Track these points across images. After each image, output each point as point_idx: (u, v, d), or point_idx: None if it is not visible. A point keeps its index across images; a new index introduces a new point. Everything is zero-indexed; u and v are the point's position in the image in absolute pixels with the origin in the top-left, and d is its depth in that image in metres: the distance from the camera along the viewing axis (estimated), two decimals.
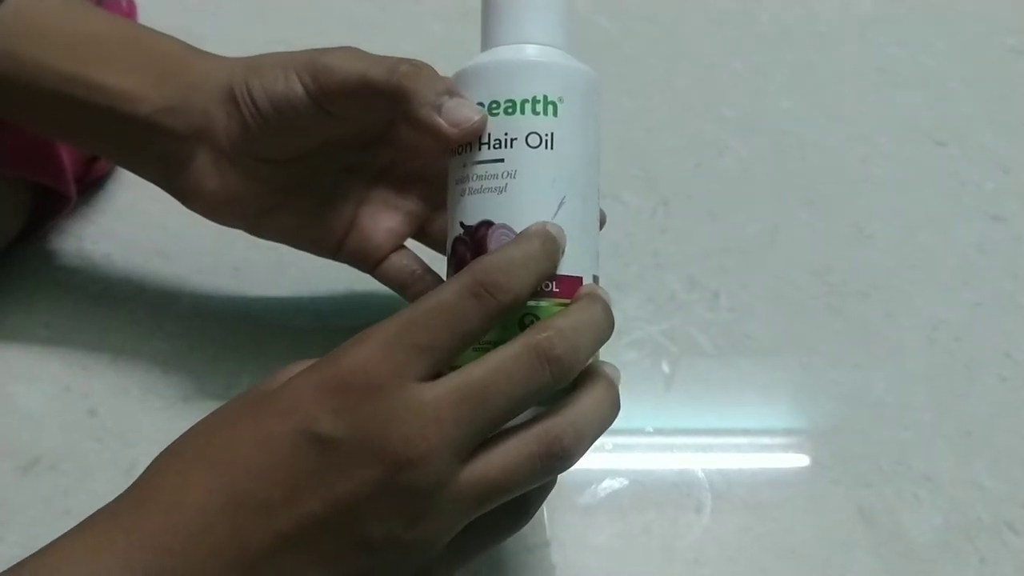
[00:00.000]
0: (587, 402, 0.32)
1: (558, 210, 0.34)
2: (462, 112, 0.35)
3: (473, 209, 0.35)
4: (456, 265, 0.35)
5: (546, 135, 0.35)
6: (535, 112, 0.35)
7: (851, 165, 0.60)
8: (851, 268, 0.54)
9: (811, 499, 0.46)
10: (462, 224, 0.35)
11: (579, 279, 0.35)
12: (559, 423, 0.31)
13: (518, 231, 0.34)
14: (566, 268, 0.34)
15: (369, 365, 0.30)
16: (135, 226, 0.53)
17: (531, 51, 0.36)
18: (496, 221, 0.34)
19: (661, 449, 0.47)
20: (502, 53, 0.36)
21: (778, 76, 0.65)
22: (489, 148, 0.35)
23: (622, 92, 0.62)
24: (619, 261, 0.54)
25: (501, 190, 0.34)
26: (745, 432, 0.48)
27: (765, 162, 0.59)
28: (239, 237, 0.54)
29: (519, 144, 0.34)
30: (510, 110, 0.35)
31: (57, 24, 0.40)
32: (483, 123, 0.35)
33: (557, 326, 0.31)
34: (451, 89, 0.36)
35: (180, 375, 0.47)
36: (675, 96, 0.63)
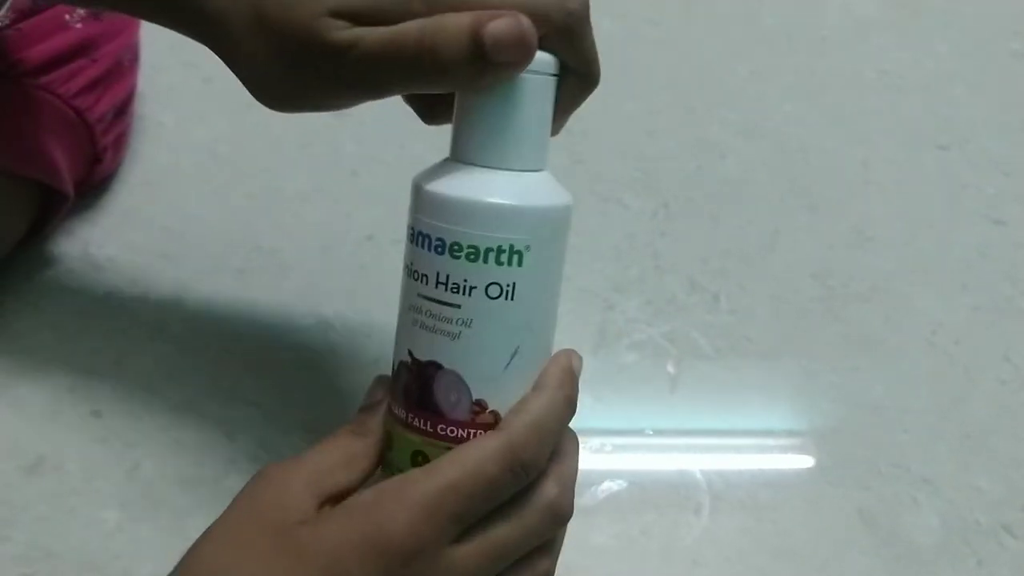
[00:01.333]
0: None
1: (511, 360, 0.33)
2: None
3: (423, 345, 0.33)
4: (403, 392, 0.34)
5: (507, 286, 0.32)
6: (499, 262, 0.32)
7: (852, 168, 0.60)
8: (851, 271, 0.55)
9: (809, 501, 0.46)
10: (411, 353, 0.34)
11: None
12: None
13: (466, 380, 0.33)
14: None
15: (411, 531, 0.31)
16: (139, 229, 0.53)
17: (502, 186, 0.32)
18: (446, 366, 0.33)
19: (660, 451, 0.47)
20: (469, 184, 0.32)
21: (780, 80, 0.65)
22: (446, 290, 0.32)
23: (624, 95, 0.62)
24: (619, 263, 0.54)
25: (455, 336, 0.33)
26: (744, 434, 0.48)
27: (766, 165, 0.59)
28: (243, 240, 0.54)
29: (478, 293, 0.32)
30: (472, 256, 0.32)
31: None
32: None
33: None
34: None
35: (184, 377, 0.47)
36: (677, 99, 0.63)
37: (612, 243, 0.55)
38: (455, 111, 0.34)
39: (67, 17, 0.49)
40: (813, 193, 0.58)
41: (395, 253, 0.54)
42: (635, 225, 0.56)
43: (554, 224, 0.33)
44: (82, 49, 0.49)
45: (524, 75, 0.32)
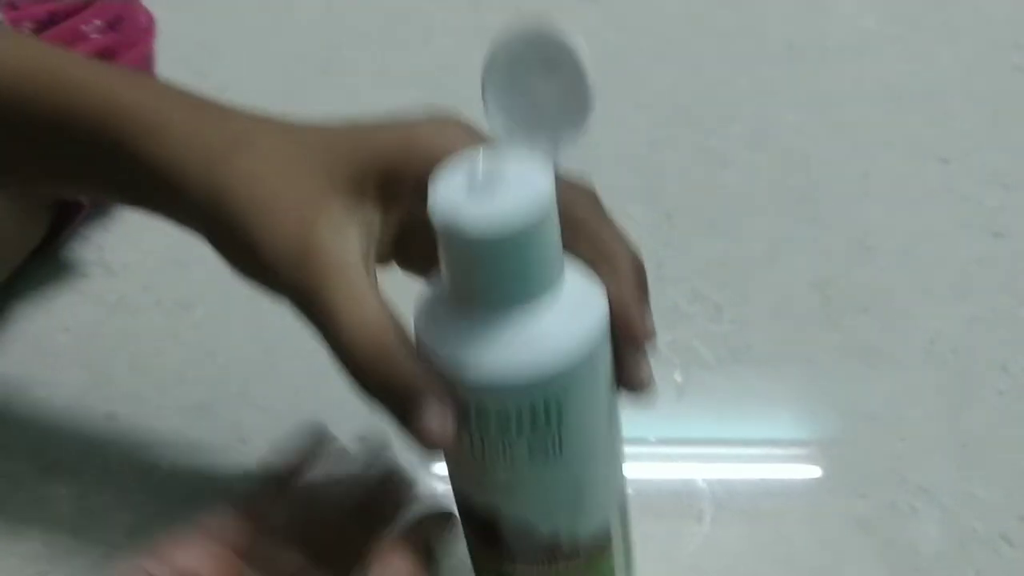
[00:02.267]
0: None
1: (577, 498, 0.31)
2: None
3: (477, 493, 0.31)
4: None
5: (552, 443, 0.28)
6: (535, 425, 0.27)
7: (853, 180, 0.61)
8: (851, 282, 0.55)
9: (810, 509, 0.47)
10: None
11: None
12: None
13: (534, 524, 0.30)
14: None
15: None
16: (154, 236, 0.54)
17: (515, 337, 0.27)
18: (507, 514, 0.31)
19: (662, 459, 0.48)
20: (477, 340, 0.27)
21: (783, 92, 0.66)
22: (483, 456, 0.29)
23: (628, 105, 0.63)
24: None
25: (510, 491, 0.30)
26: (746, 443, 0.49)
27: (769, 177, 0.60)
28: None
29: (520, 456, 0.28)
30: (504, 422, 0.27)
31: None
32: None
33: None
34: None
35: (195, 382, 0.48)
36: (681, 110, 0.64)
37: None
38: (440, 254, 0.27)
39: (84, 28, 0.50)
40: (814, 204, 0.59)
41: None
42: (638, 236, 0.56)
43: (588, 357, 0.28)
44: (99, 59, 0.50)
45: (527, 228, 0.26)
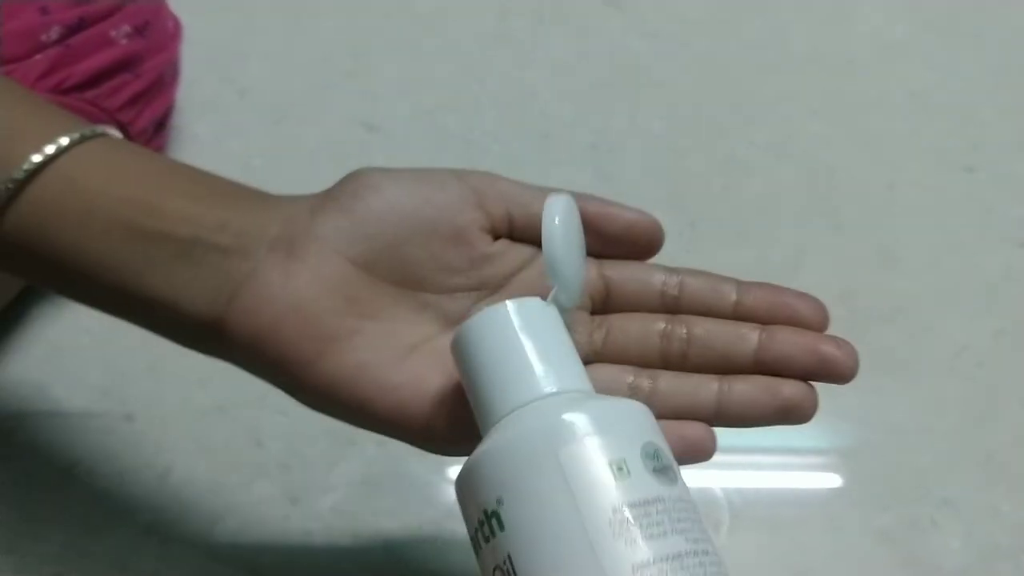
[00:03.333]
0: None
1: None
2: None
3: None
4: None
5: (504, 563, 0.25)
6: (485, 539, 0.26)
7: (878, 190, 0.60)
8: (876, 293, 0.55)
9: (829, 521, 0.46)
10: None
11: None
12: None
13: None
14: None
15: None
16: None
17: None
18: None
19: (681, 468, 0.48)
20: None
21: (808, 101, 0.65)
22: None
23: (652, 115, 0.63)
24: None
25: None
26: (765, 452, 0.49)
27: (793, 186, 0.60)
28: None
29: None
30: (474, 541, 0.27)
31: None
32: None
33: None
34: None
35: (215, 384, 0.49)
36: (705, 120, 0.64)
37: None
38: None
39: (112, 33, 0.50)
40: (839, 214, 0.59)
41: None
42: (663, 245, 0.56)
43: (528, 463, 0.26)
44: (127, 64, 0.51)
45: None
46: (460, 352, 0.29)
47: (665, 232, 0.58)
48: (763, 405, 0.31)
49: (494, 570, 0.25)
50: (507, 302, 0.29)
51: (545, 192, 0.33)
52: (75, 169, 0.32)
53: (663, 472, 0.26)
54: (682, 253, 0.57)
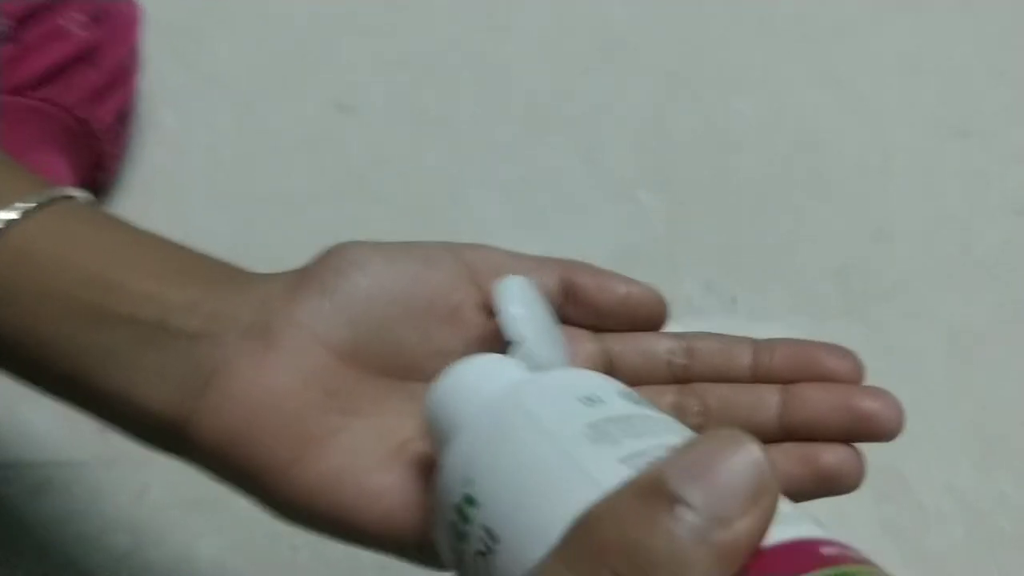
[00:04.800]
0: None
1: None
2: None
3: None
4: None
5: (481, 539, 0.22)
6: (459, 536, 0.23)
7: (871, 160, 0.58)
8: (871, 269, 0.53)
9: (831, 512, 0.45)
10: None
11: None
12: None
13: None
14: None
15: None
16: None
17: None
18: None
19: None
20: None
21: (797, 68, 0.63)
22: None
23: (636, 88, 0.61)
24: (633, 265, 0.53)
25: None
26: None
27: (783, 159, 0.58)
28: (248, 247, 0.53)
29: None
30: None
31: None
32: None
33: None
34: None
35: None
36: (691, 91, 0.61)
37: (625, 243, 0.54)
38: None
39: (66, 23, 0.47)
40: (831, 187, 0.57)
41: None
42: (649, 225, 0.55)
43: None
44: (84, 56, 0.48)
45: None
46: (428, 421, 0.26)
47: (652, 211, 0.57)
48: (799, 477, 0.27)
49: (476, 556, 0.22)
50: (465, 358, 0.26)
51: (541, 263, 0.31)
52: (29, 242, 0.29)
53: (648, 404, 0.24)
54: (671, 235, 0.55)
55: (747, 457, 0.18)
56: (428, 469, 0.27)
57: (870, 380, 0.49)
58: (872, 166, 0.58)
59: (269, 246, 0.53)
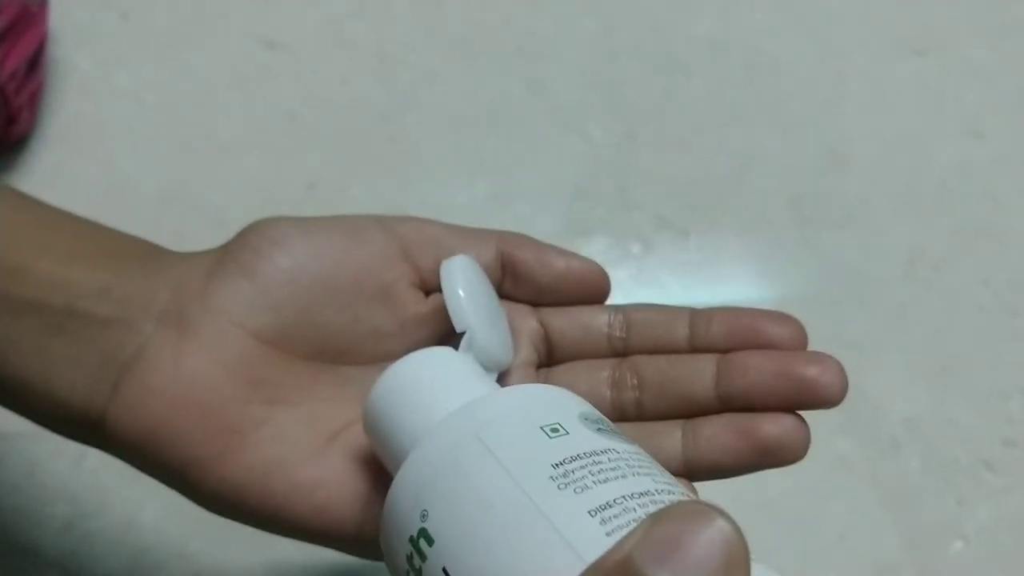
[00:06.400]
0: None
1: None
2: None
3: None
4: None
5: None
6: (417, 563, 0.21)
7: (826, 83, 0.56)
8: (826, 197, 0.52)
9: None
10: None
11: None
12: None
13: None
14: None
15: None
16: (64, 190, 0.49)
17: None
18: None
19: None
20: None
21: None
22: None
23: (582, 12, 0.58)
24: (584, 202, 0.51)
25: None
26: None
27: (736, 85, 0.56)
28: (177, 197, 0.51)
29: None
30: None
31: None
32: None
33: None
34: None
35: None
36: (639, 15, 0.58)
37: (575, 180, 0.52)
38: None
39: None
40: (785, 112, 0.55)
41: (338, 202, 0.50)
42: (599, 159, 0.53)
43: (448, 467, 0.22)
44: None
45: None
46: (370, 423, 0.24)
47: (602, 145, 0.55)
48: (737, 450, 0.26)
49: None
50: (412, 354, 0.25)
51: (478, 235, 0.29)
52: None
53: (610, 432, 0.22)
54: (621, 169, 0.53)
55: (717, 534, 0.16)
56: (365, 460, 0.25)
57: (826, 311, 0.48)
58: (827, 89, 0.56)
59: (199, 194, 0.50)
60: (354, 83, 0.54)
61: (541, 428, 0.21)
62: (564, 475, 0.20)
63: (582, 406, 0.23)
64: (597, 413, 0.23)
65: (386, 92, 0.54)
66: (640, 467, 0.21)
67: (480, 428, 0.22)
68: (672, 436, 0.26)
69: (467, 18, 0.57)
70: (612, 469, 0.21)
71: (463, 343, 0.26)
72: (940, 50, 0.58)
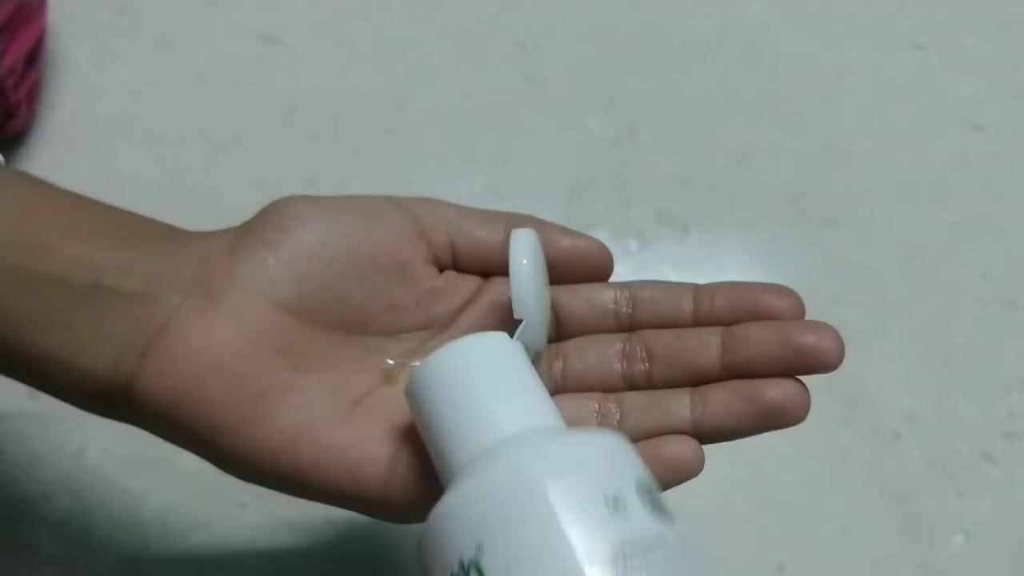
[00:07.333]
0: None
1: None
2: None
3: None
4: None
5: None
6: None
7: (824, 77, 0.56)
8: (826, 192, 0.52)
9: (790, 438, 0.45)
10: None
11: None
12: None
13: None
14: None
15: None
16: (63, 184, 0.49)
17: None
18: None
19: None
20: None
21: None
22: None
23: (581, 6, 0.58)
24: (583, 197, 0.51)
25: None
26: None
27: (735, 80, 0.56)
28: (176, 191, 0.51)
29: None
30: None
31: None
32: None
33: None
34: None
35: None
36: (638, 9, 0.58)
37: (574, 175, 0.52)
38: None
39: None
40: (784, 107, 0.55)
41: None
42: (599, 154, 0.53)
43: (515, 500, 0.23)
44: None
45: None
46: (418, 395, 0.25)
47: (601, 140, 0.54)
48: (742, 413, 0.27)
49: None
50: (470, 337, 0.25)
51: (488, 216, 0.30)
52: None
53: (660, 509, 0.23)
54: (620, 164, 0.53)
55: None
56: (388, 426, 0.27)
57: (827, 305, 0.48)
58: (826, 84, 0.56)
59: (199, 188, 0.50)
60: (353, 77, 0.54)
61: (604, 499, 0.22)
62: (622, 567, 0.21)
63: (639, 471, 0.24)
64: (651, 478, 0.24)
65: (385, 86, 0.54)
66: (686, 564, 0.23)
67: (547, 479, 0.22)
68: (681, 402, 0.28)
69: (466, 12, 0.57)
70: (664, 568, 0.22)
71: (518, 331, 0.27)
72: (939, 44, 0.58)
